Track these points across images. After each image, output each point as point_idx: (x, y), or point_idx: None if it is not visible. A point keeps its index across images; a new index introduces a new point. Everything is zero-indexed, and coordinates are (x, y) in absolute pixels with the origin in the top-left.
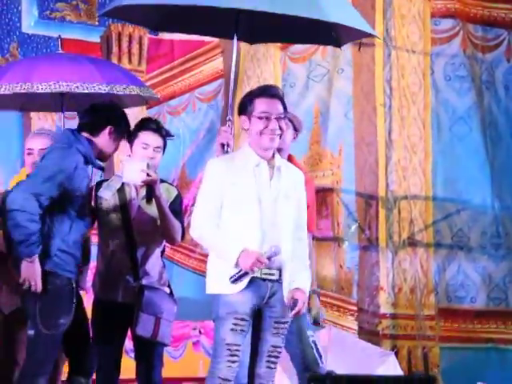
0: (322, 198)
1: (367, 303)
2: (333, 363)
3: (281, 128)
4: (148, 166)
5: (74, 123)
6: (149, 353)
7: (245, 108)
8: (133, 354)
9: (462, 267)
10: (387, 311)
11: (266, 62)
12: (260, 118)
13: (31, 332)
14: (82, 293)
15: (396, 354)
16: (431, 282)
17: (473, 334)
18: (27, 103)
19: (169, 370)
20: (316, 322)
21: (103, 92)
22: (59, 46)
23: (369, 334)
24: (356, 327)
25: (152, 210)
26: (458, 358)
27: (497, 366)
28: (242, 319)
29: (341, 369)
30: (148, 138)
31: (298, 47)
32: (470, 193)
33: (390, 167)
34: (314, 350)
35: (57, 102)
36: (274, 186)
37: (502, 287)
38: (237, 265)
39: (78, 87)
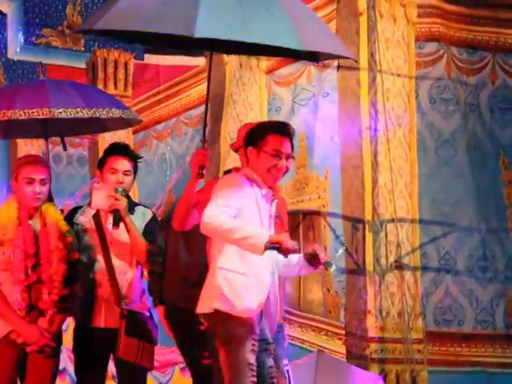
0: (308, 222)
1: (355, 327)
2: None
3: (287, 167)
4: (116, 190)
5: (59, 149)
6: (132, 377)
7: (254, 140)
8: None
9: (450, 290)
10: (375, 335)
11: (252, 87)
12: (272, 155)
13: None
14: (69, 318)
15: (384, 377)
16: (419, 306)
17: (461, 358)
18: (10, 130)
19: None
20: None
21: (86, 117)
22: (42, 72)
23: (357, 357)
24: (344, 351)
25: (126, 234)
26: (446, 381)
27: None
28: (257, 340)
29: None
30: (115, 162)
31: (283, 71)
32: (457, 215)
33: (376, 190)
34: (287, 381)
35: (40, 128)
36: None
37: (490, 310)
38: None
39: (60, 113)
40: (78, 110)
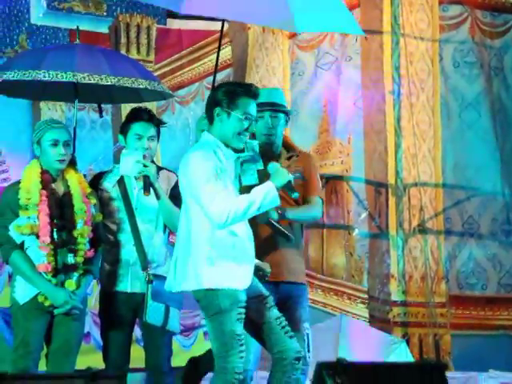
0: (331, 187)
1: (378, 291)
2: (344, 351)
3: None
4: (144, 156)
5: (83, 114)
6: (158, 341)
7: (223, 102)
8: (142, 343)
9: (473, 254)
10: (398, 299)
11: (275, 51)
12: (244, 118)
13: None
14: (93, 282)
15: (407, 341)
16: (442, 270)
17: (484, 321)
18: (39, 92)
19: (180, 358)
20: None
21: (109, 84)
22: (71, 37)
23: (380, 321)
24: (367, 315)
25: (153, 199)
26: (469, 345)
27: (508, 352)
28: (243, 307)
29: (352, 356)
30: (141, 128)
31: (306, 36)
32: (480, 180)
33: (399, 155)
34: (305, 344)
35: (68, 92)
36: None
37: None
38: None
39: (84, 78)
40: (103, 76)
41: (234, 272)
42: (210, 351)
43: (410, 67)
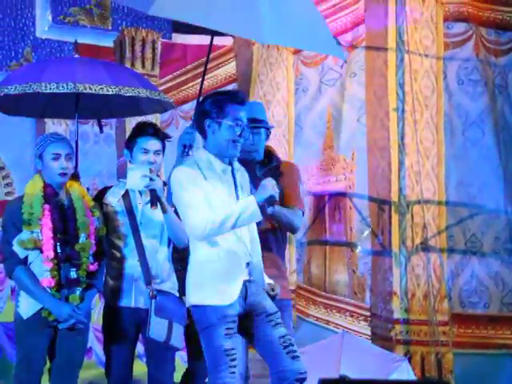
0: (334, 203)
1: (380, 308)
2: (346, 368)
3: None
4: (150, 170)
5: (87, 128)
6: (161, 357)
7: (212, 112)
8: (144, 359)
9: (476, 272)
10: (400, 317)
11: (279, 67)
12: (235, 125)
13: None
14: (96, 296)
15: (409, 359)
16: (444, 288)
17: (486, 340)
18: (39, 109)
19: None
20: None
21: (110, 93)
22: (74, 50)
23: (382, 339)
24: (369, 332)
25: (157, 213)
26: (472, 363)
27: (510, 371)
28: (233, 321)
29: (354, 374)
30: (147, 143)
31: (310, 52)
32: (484, 197)
33: (402, 172)
34: None
35: (69, 108)
36: (239, 189)
37: None
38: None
39: (85, 88)
40: (103, 86)
41: (218, 288)
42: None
43: (415, 84)
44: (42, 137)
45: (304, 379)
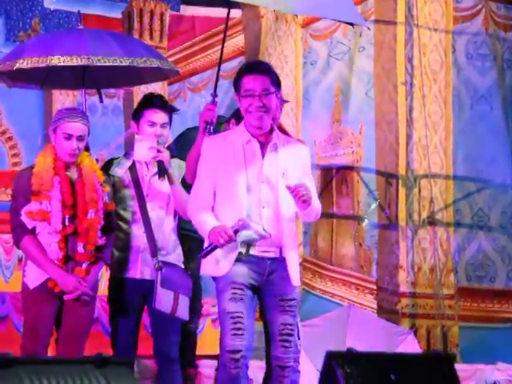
0: (342, 177)
1: (386, 282)
2: (352, 341)
3: (265, 105)
4: (158, 142)
5: (95, 99)
6: (166, 328)
7: (236, 87)
8: (150, 330)
9: (482, 247)
10: (406, 290)
11: (287, 40)
12: (245, 96)
13: None
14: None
15: (415, 332)
16: (451, 262)
17: (492, 314)
18: (48, 80)
19: None
20: None
21: (124, 65)
22: (79, 21)
23: (388, 312)
24: (375, 306)
25: (164, 185)
26: (477, 337)
27: None
28: (240, 288)
29: (360, 347)
30: (154, 115)
31: (319, 25)
32: (491, 172)
33: (410, 146)
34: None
35: (78, 78)
36: (267, 164)
37: None
38: (209, 240)
39: (99, 60)
40: (117, 58)
41: (216, 260)
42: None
43: (423, 58)
44: (59, 111)
45: (288, 367)
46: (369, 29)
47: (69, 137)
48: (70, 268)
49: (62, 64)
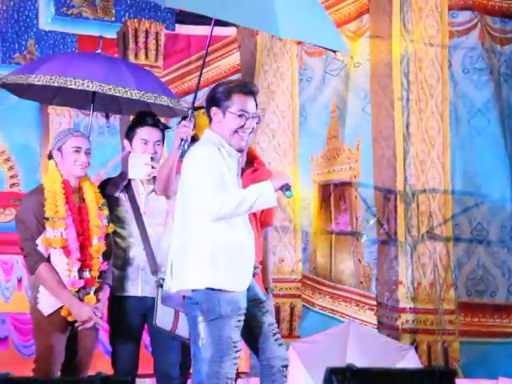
0: (340, 193)
1: (386, 298)
2: (353, 357)
3: (253, 128)
4: (152, 159)
5: (93, 120)
6: (167, 346)
7: (219, 100)
8: (150, 349)
9: (482, 261)
10: (406, 305)
11: (283, 57)
12: (239, 115)
13: None
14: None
15: (416, 348)
16: (451, 277)
17: (493, 329)
18: (59, 97)
19: None
20: None
21: (133, 98)
22: (98, 46)
23: (388, 328)
24: (375, 322)
25: (161, 202)
26: (478, 352)
27: None
28: (244, 314)
29: (360, 363)
30: (146, 133)
31: None
32: (489, 186)
33: (408, 161)
34: None
35: (87, 100)
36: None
37: None
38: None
39: (110, 89)
40: (127, 89)
41: (235, 273)
42: None
43: (419, 73)
44: (63, 130)
45: (288, 365)
46: (352, 57)
47: (78, 150)
48: (82, 295)
49: (73, 86)
